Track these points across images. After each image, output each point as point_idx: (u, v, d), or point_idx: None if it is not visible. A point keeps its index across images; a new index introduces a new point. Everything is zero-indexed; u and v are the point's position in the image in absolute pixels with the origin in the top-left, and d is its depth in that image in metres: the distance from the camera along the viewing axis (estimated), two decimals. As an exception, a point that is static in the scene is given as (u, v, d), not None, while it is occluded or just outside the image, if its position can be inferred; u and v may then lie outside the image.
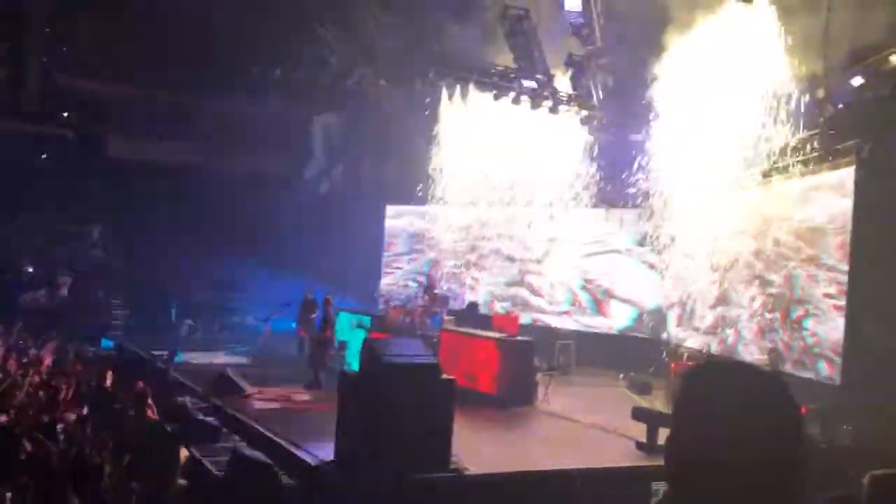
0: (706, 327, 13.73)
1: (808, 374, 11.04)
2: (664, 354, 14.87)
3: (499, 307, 18.04)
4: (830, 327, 8.79)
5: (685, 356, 14.25)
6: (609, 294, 17.08)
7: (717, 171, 13.85)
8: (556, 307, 17.57)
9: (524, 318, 16.68)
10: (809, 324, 9.52)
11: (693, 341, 14.58)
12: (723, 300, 13.01)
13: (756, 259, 11.90)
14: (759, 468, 1.40)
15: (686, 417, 1.50)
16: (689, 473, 1.45)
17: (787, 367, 10.73)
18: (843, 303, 8.95)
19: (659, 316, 16.00)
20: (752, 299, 11.39)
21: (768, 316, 10.80)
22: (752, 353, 11.58)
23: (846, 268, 9.14)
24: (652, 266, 16.32)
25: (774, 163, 12.91)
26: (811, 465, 1.56)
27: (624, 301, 16.88)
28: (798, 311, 9.74)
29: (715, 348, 13.16)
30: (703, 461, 1.43)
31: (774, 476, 1.41)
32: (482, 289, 19.00)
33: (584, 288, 17.46)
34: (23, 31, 22.81)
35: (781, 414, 1.45)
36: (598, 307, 17.27)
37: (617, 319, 16.95)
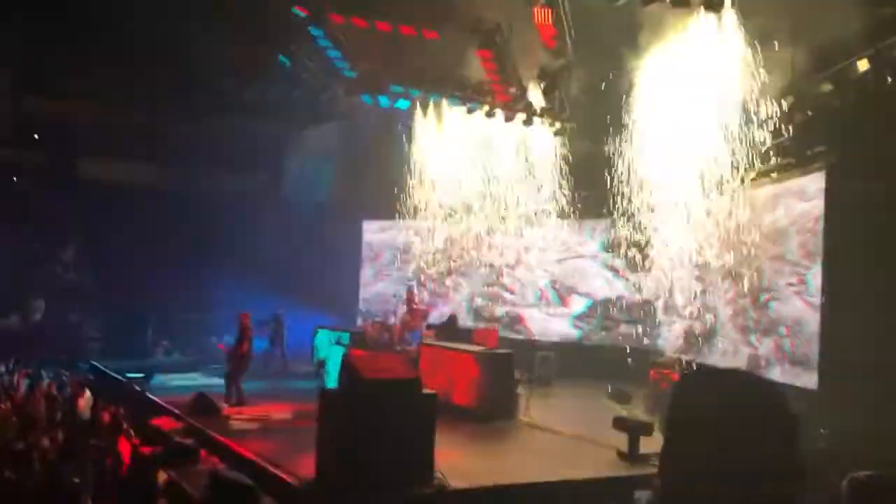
0: (688, 314, 14.13)
1: (786, 380, 11.13)
2: (628, 360, 14.93)
3: (479, 301, 19.27)
4: (791, 308, 10.42)
5: (663, 364, 14.32)
6: (571, 290, 18.35)
7: (689, 179, 13.98)
8: (525, 301, 18.81)
9: (498, 311, 18.68)
10: (774, 305, 10.94)
11: (678, 326, 14.73)
12: (702, 291, 13.60)
13: (729, 257, 12.66)
14: (759, 476, 1.39)
15: (680, 426, 1.49)
16: (686, 482, 1.44)
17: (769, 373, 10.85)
18: (801, 289, 10.33)
19: (640, 308, 16.62)
20: (726, 291, 12.39)
21: (741, 301, 11.87)
22: (728, 334, 12.32)
23: (806, 262, 10.39)
24: (614, 269, 17.65)
25: (745, 170, 13.05)
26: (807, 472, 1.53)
27: (582, 294, 18.23)
28: (765, 296, 11.12)
29: (698, 330, 13.54)
30: (700, 470, 1.41)
31: (774, 483, 1.40)
32: (463, 289, 19.68)
33: (551, 286, 18.63)
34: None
35: (779, 421, 1.44)
36: (562, 301, 18.58)
37: (574, 308, 18.34)
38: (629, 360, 15.02)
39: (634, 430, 10.13)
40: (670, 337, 15.16)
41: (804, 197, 10.95)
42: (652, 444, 10.03)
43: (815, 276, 10.12)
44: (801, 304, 10.15)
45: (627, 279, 17.29)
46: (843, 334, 10.63)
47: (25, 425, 10.05)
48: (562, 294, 18.52)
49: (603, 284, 17.86)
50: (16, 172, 23.27)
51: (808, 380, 10.31)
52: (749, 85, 12.02)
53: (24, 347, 17.36)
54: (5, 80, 23.00)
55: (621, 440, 10.20)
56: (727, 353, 12.04)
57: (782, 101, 12.06)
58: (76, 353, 18.46)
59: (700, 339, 13.34)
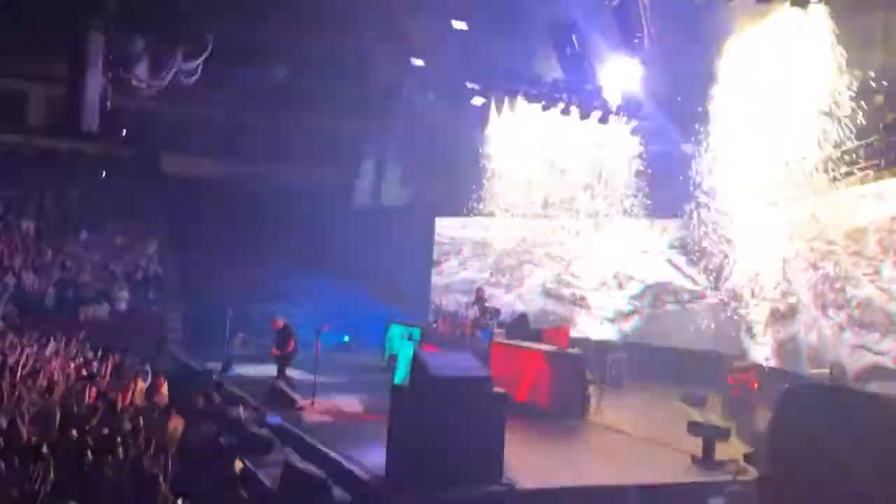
0: (773, 297, 14.20)
1: (856, 341, 10.72)
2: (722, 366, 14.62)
3: (550, 285, 19.67)
4: (864, 291, 10.88)
5: (741, 369, 13.98)
6: (630, 277, 18.65)
7: (769, 181, 13.64)
8: (589, 286, 19.20)
9: (565, 291, 19.00)
10: (849, 290, 11.29)
11: (761, 309, 14.59)
12: (786, 280, 13.73)
13: (811, 253, 12.84)
14: (869, 493, 1.34)
15: (788, 440, 1.44)
16: (794, 496, 1.39)
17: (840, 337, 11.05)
18: (874, 278, 10.69)
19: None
20: (809, 279, 12.71)
21: (820, 287, 12.23)
22: (809, 311, 12.58)
23: (881, 256, 10.68)
24: (677, 266, 17.90)
25: (833, 171, 12.63)
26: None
27: (638, 280, 18.55)
28: (841, 283, 11.52)
29: (783, 308, 13.54)
30: (812, 483, 1.37)
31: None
32: (535, 277, 19.97)
33: (613, 276, 18.89)
34: (81, 52, 23.49)
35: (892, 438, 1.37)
36: (620, 285, 18.85)
37: (630, 291, 18.61)
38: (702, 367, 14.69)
39: (710, 434, 9.91)
40: (756, 318, 14.92)
41: (883, 199, 11.09)
42: (727, 450, 9.80)
43: (887, 267, 10.40)
44: (873, 289, 10.65)
45: (688, 274, 17.72)
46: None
47: (109, 412, 10.43)
48: (622, 280, 18.82)
49: (664, 274, 18.14)
50: (103, 166, 24.23)
51: (870, 339, 10.73)
52: (836, 83, 11.61)
53: (110, 336, 18.02)
54: (96, 76, 23.95)
55: (695, 444, 9.99)
56: (807, 325, 12.44)
57: (875, 99, 11.60)
58: (158, 342, 19.05)
59: (784, 316, 13.58)
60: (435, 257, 22.11)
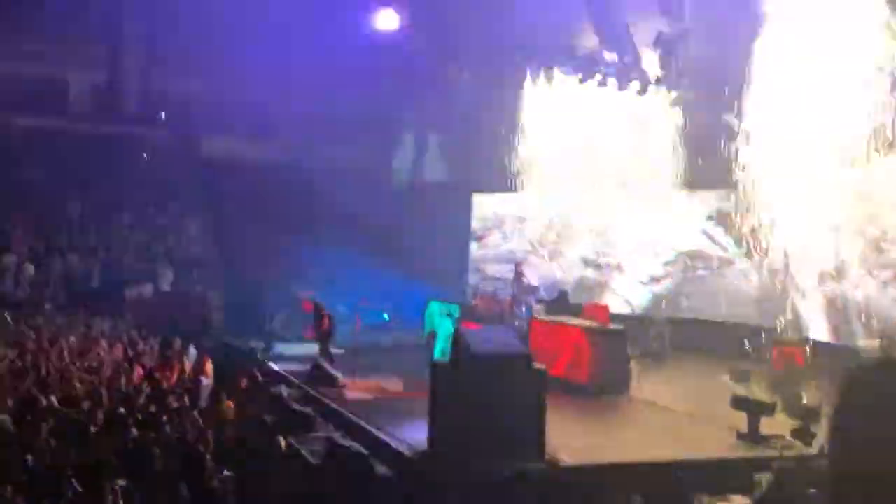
0: (822, 259, 14.21)
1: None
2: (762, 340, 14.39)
3: (589, 254, 19.57)
4: None
5: (788, 343, 13.73)
6: (664, 246, 18.33)
7: (815, 150, 13.34)
8: (625, 252, 19.00)
9: (602, 260, 19.05)
10: (894, 253, 11.93)
11: (811, 270, 14.44)
12: (834, 244, 13.83)
13: (858, 220, 13.08)
14: None
15: (851, 432, 1.36)
16: (863, 482, 1.31)
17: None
18: None
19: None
20: (856, 244, 13.04)
21: (866, 250, 12.63)
22: (856, 271, 12.86)
23: None
24: (710, 236, 17.52)
25: (881, 140, 12.32)
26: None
27: (671, 248, 18.28)
28: (887, 246, 12.06)
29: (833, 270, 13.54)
30: (878, 479, 1.29)
31: None
32: (575, 253, 19.86)
33: (649, 246, 18.60)
34: (121, 37, 23.79)
35: None
36: (655, 254, 18.52)
37: (664, 258, 18.36)
38: (745, 341, 14.49)
39: (755, 410, 9.75)
40: (806, 279, 14.78)
41: None
42: (773, 425, 9.65)
43: None
44: None
45: (719, 243, 17.47)
46: None
47: (155, 389, 10.63)
48: (656, 249, 18.56)
49: (697, 242, 17.89)
50: (145, 149, 24.55)
51: None
52: (887, 49, 11.26)
53: (154, 315, 18.33)
54: (136, 60, 24.24)
55: (740, 419, 9.84)
56: (854, 283, 12.78)
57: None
58: (202, 321, 19.32)
59: (833, 276, 13.69)
60: (479, 232, 22.04)
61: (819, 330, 14.15)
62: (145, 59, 24.28)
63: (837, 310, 13.39)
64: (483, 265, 21.54)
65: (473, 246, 22.03)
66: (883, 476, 1.28)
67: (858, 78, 12.01)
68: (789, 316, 15.23)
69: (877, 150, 12.38)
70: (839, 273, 13.35)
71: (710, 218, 17.80)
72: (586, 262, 19.75)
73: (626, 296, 18.61)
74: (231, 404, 9.94)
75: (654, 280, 18.44)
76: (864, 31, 11.53)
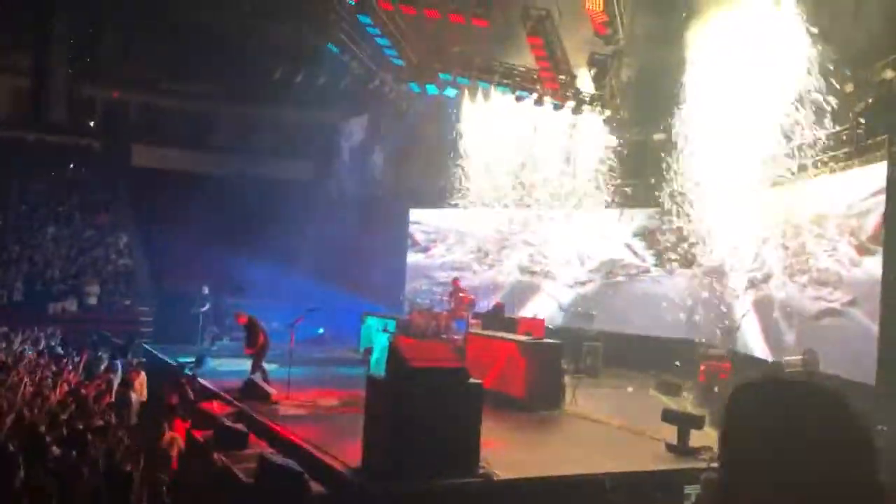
0: (750, 268, 15.13)
1: (843, 374, 10.90)
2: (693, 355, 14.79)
3: (524, 262, 20.87)
4: (823, 263, 12.40)
5: (714, 357, 14.11)
6: (590, 257, 19.89)
7: (741, 169, 13.85)
8: (555, 263, 20.48)
9: (535, 268, 20.39)
10: (811, 262, 12.78)
11: (740, 277, 15.38)
12: (760, 256, 14.84)
13: (781, 237, 13.97)
14: (830, 499, 1.30)
15: (742, 440, 1.41)
16: (745, 499, 1.36)
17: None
18: (833, 253, 12.19)
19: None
20: (779, 255, 13.99)
21: (788, 260, 13.58)
22: (780, 277, 13.77)
23: (837, 237, 12.08)
24: (632, 249, 18.95)
25: (802, 159, 12.87)
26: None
27: (596, 259, 19.77)
28: (806, 257, 12.98)
29: (760, 276, 14.67)
30: (760, 486, 1.33)
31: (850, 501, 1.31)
32: (511, 261, 21.16)
33: (577, 257, 20.14)
34: (47, 43, 23.12)
35: (849, 436, 1.34)
36: (581, 263, 20.07)
37: (589, 265, 19.88)
38: (676, 362, 15.12)
39: (685, 422, 9.97)
40: (737, 284, 15.68)
41: (842, 190, 12.21)
42: (702, 437, 9.88)
43: (842, 245, 11.93)
44: (831, 261, 12.18)
45: (639, 255, 18.93)
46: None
47: (81, 407, 10.29)
48: (583, 259, 20.02)
49: (619, 254, 19.36)
50: (71, 158, 23.86)
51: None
52: (807, 72, 11.75)
53: (81, 330, 17.79)
54: (62, 67, 23.57)
55: (671, 432, 10.05)
56: (777, 286, 13.78)
57: (845, 87, 11.78)
58: (129, 336, 18.84)
59: (760, 281, 14.68)
60: (424, 244, 22.56)
61: (750, 325, 14.85)
62: (73, 64, 23.63)
63: (764, 307, 14.31)
64: (430, 272, 22.03)
65: (420, 257, 22.44)
66: (765, 485, 1.33)
67: (780, 103, 12.55)
68: (721, 323, 15.72)
69: (792, 172, 13.03)
70: (765, 278, 14.31)
71: (635, 235, 18.96)
72: (522, 270, 20.98)
73: (555, 296, 20.19)
74: (176, 436, 9.54)
75: (579, 284, 19.86)
76: (785, 53, 12.03)
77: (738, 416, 1.44)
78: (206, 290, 19.95)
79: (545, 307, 19.59)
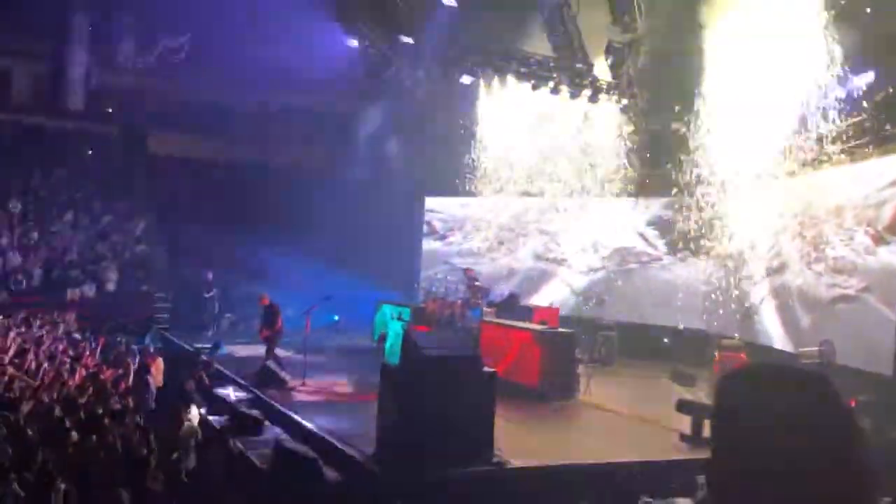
0: (767, 257, 15.14)
1: (859, 366, 10.85)
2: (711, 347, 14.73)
3: (539, 248, 21.07)
4: (839, 252, 12.55)
5: (728, 347, 14.05)
6: (604, 245, 19.94)
7: (759, 159, 13.75)
8: (571, 250, 20.56)
9: (550, 255, 20.66)
10: (828, 251, 12.88)
11: (758, 266, 15.36)
12: (777, 245, 14.84)
13: (798, 226, 13.98)
14: (812, 483, 1.32)
15: (724, 428, 1.42)
16: (734, 486, 1.37)
17: (839, 359, 10.84)
18: (849, 242, 12.33)
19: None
20: (796, 244, 14.08)
21: (805, 249, 13.66)
22: (796, 265, 13.89)
23: (855, 227, 12.20)
24: (645, 238, 19.05)
25: (821, 149, 12.74)
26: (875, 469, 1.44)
27: (609, 247, 19.81)
28: (823, 246, 13.05)
29: (776, 264, 14.73)
30: (747, 473, 1.35)
31: (831, 489, 1.32)
32: (527, 250, 21.33)
33: (592, 245, 20.19)
34: (65, 30, 23.23)
35: (831, 421, 1.36)
36: (595, 251, 20.17)
37: (602, 253, 20.00)
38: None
39: (698, 412, 9.96)
40: (755, 272, 15.61)
41: (858, 181, 12.27)
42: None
43: (858, 234, 12.05)
44: (847, 250, 12.30)
45: (652, 243, 19.03)
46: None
47: (99, 392, 10.39)
48: (597, 247, 20.14)
49: (632, 241, 19.45)
50: (89, 145, 24.00)
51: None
52: (826, 61, 11.62)
53: (98, 316, 17.93)
54: (80, 53, 23.68)
55: (685, 422, 10.04)
56: (794, 274, 13.87)
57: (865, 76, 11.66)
58: (147, 323, 18.99)
59: (776, 269, 14.72)
60: (442, 231, 22.71)
61: (767, 312, 14.84)
62: (92, 51, 23.71)
63: (781, 294, 14.38)
64: (449, 258, 22.08)
65: (438, 244, 22.55)
66: (753, 475, 1.35)
67: (798, 94, 12.43)
68: (737, 311, 15.66)
69: (811, 162, 12.91)
70: (782, 266, 14.39)
71: (649, 223, 18.98)
72: (537, 257, 21.10)
73: (568, 282, 20.37)
74: (195, 425, 9.54)
75: (592, 270, 19.96)
76: (804, 44, 11.90)
77: (724, 400, 1.46)
78: (209, 276, 20.21)
79: (558, 291, 19.98)
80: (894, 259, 11.09)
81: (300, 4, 17.88)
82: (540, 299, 19.04)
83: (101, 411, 9.12)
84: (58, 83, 24.01)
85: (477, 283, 16.37)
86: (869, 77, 11.87)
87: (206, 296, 20.05)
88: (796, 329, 13.56)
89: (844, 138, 12.41)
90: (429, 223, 22.75)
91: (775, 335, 14.46)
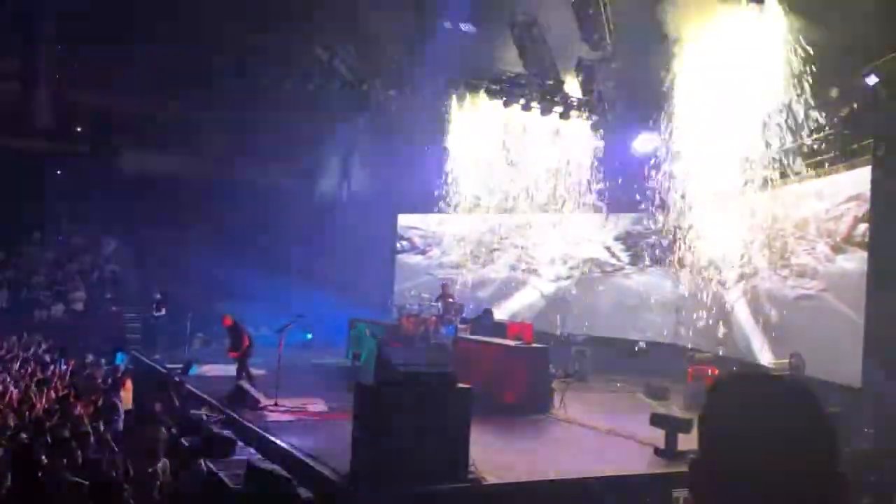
0: (739, 264, 15.65)
1: (828, 378, 10.97)
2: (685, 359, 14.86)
3: (513, 262, 21.94)
4: (803, 260, 13.43)
5: (702, 361, 14.18)
6: (572, 257, 20.81)
7: (727, 174, 13.95)
8: (539, 264, 21.49)
9: (522, 266, 21.57)
10: (793, 259, 13.74)
11: (733, 272, 15.80)
12: (747, 254, 15.43)
13: (766, 238, 14.68)
14: (793, 486, 1.34)
15: (712, 436, 1.45)
16: (720, 494, 1.39)
17: (809, 372, 10.98)
18: (812, 252, 13.20)
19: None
20: (764, 254, 14.79)
21: (772, 258, 14.41)
22: (765, 271, 14.61)
23: (817, 238, 13.05)
24: (611, 251, 19.99)
25: (786, 164, 13.01)
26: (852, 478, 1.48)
27: (577, 258, 20.76)
28: (787, 255, 13.93)
29: (747, 271, 15.34)
30: (735, 480, 1.37)
31: (811, 493, 1.35)
32: (502, 262, 22.11)
33: (561, 257, 21.10)
34: (34, 47, 22.96)
35: (813, 428, 1.39)
36: (564, 262, 21.06)
37: (570, 264, 20.90)
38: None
39: (673, 426, 10.01)
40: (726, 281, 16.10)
41: (822, 197, 13.00)
42: (690, 441, 9.91)
43: (821, 245, 12.94)
44: (810, 258, 13.18)
45: (615, 254, 20.00)
46: (888, 333, 10.49)
47: (66, 414, 10.22)
48: (566, 259, 21.10)
49: (598, 253, 20.44)
50: (58, 165, 23.70)
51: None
52: (792, 78, 11.83)
53: (66, 337, 17.67)
54: (49, 71, 23.41)
55: (659, 436, 10.08)
56: (763, 278, 14.65)
57: (830, 92, 11.91)
58: (117, 343, 18.74)
59: (748, 275, 15.31)
60: (422, 247, 23.24)
61: (740, 313, 15.26)
62: (61, 69, 23.46)
63: (751, 294, 15.04)
64: (430, 271, 22.54)
65: (419, 258, 23.08)
66: (739, 481, 1.37)
67: (763, 110, 12.68)
68: (708, 322, 15.84)
69: (777, 177, 13.22)
70: (752, 273, 15.07)
71: (617, 238, 19.72)
72: (511, 268, 21.89)
73: (539, 288, 21.39)
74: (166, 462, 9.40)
75: (560, 279, 20.89)
76: (770, 60, 12.13)
77: (713, 407, 1.48)
78: (157, 295, 20.00)
79: (528, 296, 21.29)
80: (849, 265, 12.02)
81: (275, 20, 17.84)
82: (512, 304, 20.83)
83: (69, 434, 8.96)
84: (26, 102, 23.72)
85: (451, 300, 16.38)
86: (833, 93, 12.10)
87: (156, 315, 19.76)
88: (766, 323, 14.20)
89: (810, 152, 12.66)
90: (409, 239, 23.23)
91: (747, 341, 14.66)
